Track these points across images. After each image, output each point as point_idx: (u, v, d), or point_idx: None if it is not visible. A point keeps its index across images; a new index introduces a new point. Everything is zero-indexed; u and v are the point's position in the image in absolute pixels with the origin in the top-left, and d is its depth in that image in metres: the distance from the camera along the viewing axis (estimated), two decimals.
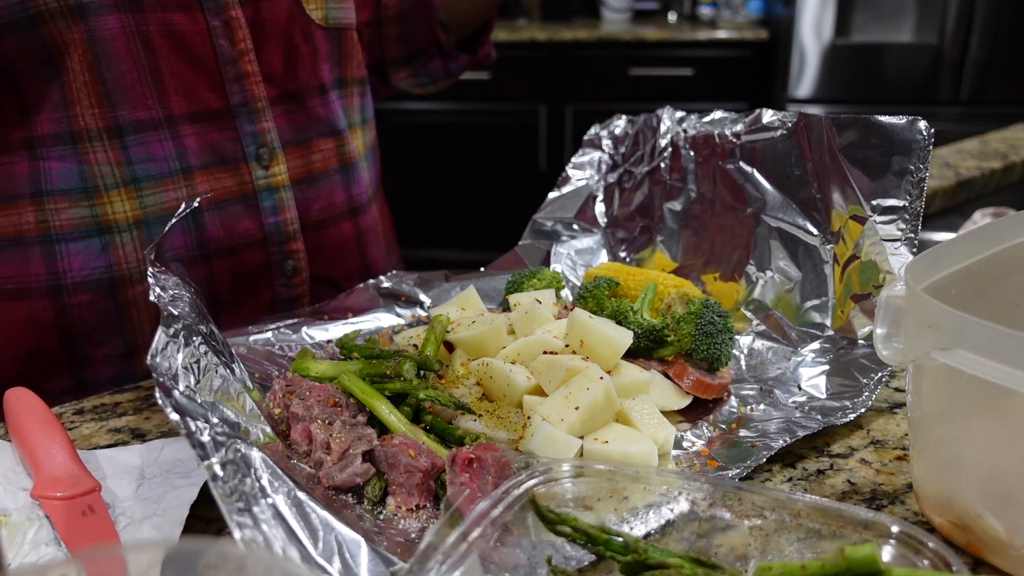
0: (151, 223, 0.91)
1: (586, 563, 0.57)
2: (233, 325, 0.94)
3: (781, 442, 0.71)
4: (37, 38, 0.83)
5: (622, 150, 1.12)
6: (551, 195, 1.16)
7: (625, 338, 0.78)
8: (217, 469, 0.53)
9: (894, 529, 0.52)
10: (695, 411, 0.79)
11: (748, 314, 0.94)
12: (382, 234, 1.16)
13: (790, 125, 0.92)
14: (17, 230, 0.89)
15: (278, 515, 0.54)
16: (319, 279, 1.06)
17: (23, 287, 0.90)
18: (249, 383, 0.71)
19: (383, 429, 0.72)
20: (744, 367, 0.87)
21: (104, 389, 0.89)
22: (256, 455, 0.57)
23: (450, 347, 0.84)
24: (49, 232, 0.89)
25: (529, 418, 0.72)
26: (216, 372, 0.66)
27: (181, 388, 0.60)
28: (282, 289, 1.02)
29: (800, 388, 0.81)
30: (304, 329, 0.93)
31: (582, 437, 0.71)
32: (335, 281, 1.07)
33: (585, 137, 1.17)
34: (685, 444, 0.74)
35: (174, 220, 0.77)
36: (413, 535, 0.62)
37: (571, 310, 0.83)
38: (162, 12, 0.87)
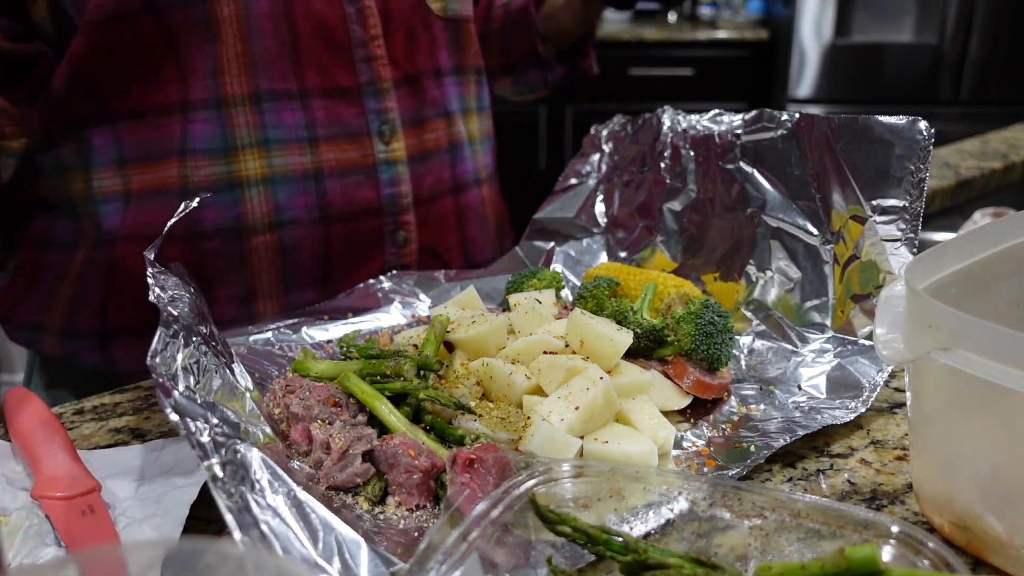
0: (276, 181, 0.99)
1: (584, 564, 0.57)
2: (345, 288, 1.02)
3: (781, 442, 0.71)
4: (203, 11, 0.92)
5: (622, 150, 1.12)
6: (551, 195, 1.16)
7: (625, 338, 0.78)
8: (217, 470, 0.53)
9: (894, 529, 0.52)
10: (695, 411, 0.79)
11: (748, 314, 0.94)
12: (490, 216, 1.23)
13: (790, 125, 0.92)
14: (162, 184, 0.96)
15: (278, 515, 0.54)
16: (426, 250, 1.12)
17: (158, 234, 0.97)
18: (249, 383, 0.71)
19: (383, 429, 0.72)
20: (744, 367, 0.87)
21: (226, 328, 0.96)
22: (256, 455, 0.57)
23: (450, 347, 0.84)
24: (187, 187, 0.96)
25: (529, 418, 0.72)
26: (216, 372, 0.66)
27: (181, 388, 0.60)
28: (392, 257, 1.08)
29: (800, 388, 0.81)
30: (304, 329, 0.93)
31: (582, 437, 0.71)
32: (438, 252, 1.14)
33: (585, 137, 1.17)
34: (685, 444, 0.74)
35: (174, 219, 0.77)
36: (414, 535, 0.62)
37: (571, 310, 0.83)
38: None
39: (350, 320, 0.97)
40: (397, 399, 0.74)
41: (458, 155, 1.15)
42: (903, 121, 0.82)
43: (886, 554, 0.52)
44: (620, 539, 0.54)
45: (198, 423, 0.56)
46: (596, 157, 1.15)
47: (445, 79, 1.11)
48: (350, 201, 1.02)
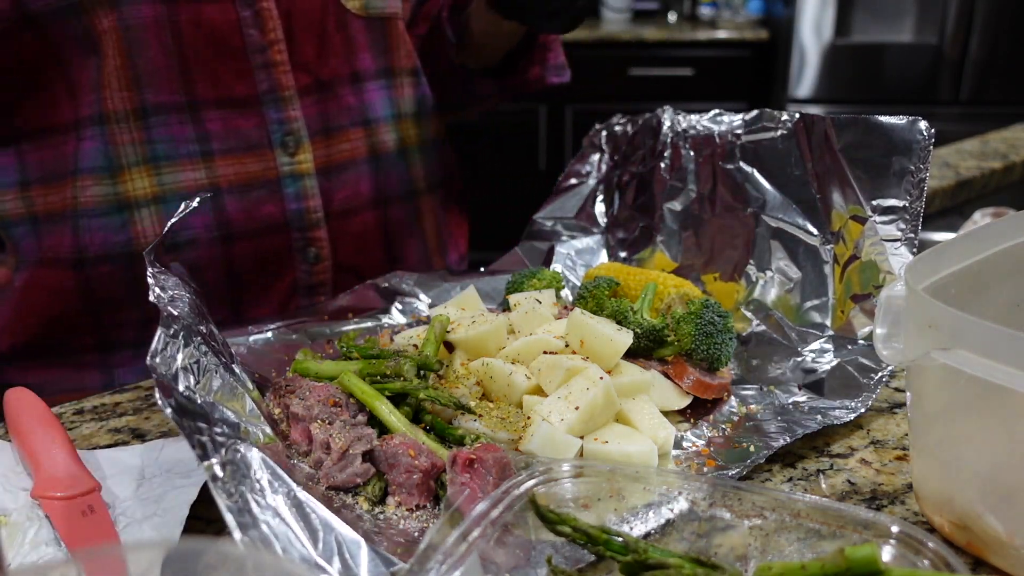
0: (168, 200, 0.94)
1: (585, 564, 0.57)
2: (254, 308, 0.98)
3: (781, 442, 0.71)
4: (80, 25, 0.87)
5: (622, 150, 1.12)
6: (551, 195, 1.16)
7: (625, 338, 0.78)
8: (217, 469, 0.53)
9: (894, 529, 0.52)
10: (695, 411, 0.79)
11: (748, 314, 0.94)
12: (430, 230, 1.15)
13: (790, 125, 0.92)
14: (61, 206, 0.94)
15: (278, 515, 0.54)
16: (343, 268, 1.06)
17: (52, 257, 0.95)
18: (249, 383, 0.71)
19: (383, 429, 0.72)
20: (744, 367, 0.87)
21: (125, 351, 0.93)
22: (256, 455, 0.57)
23: (450, 347, 0.84)
24: (76, 208, 0.93)
25: (529, 418, 0.72)
26: (216, 372, 0.66)
27: (181, 388, 0.60)
28: (304, 275, 1.03)
29: (800, 388, 0.81)
30: (304, 329, 0.93)
31: (582, 437, 0.71)
32: (359, 271, 1.07)
33: (585, 137, 1.17)
34: (685, 444, 0.74)
35: (175, 219, 0.77)
36: (414, 535, 0.62)
37: (571, 310, 0.83)
38: (194, 3, 0.90)
39: (350, 320, 0.97)
40: (397, 399, 0.74)
41: (382, 166, 1.07)
42: (903, 121, 0.82)
43: (886, 554, 0.52)
44: (620, 539, 0.54)
45: (198, 423, 0.56)
46: (596, 157, 1.15)
47: (368, 84, 1.04)
48: (252, 218, 0.97)
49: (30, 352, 0.98)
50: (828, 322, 0.88)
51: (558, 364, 0.75)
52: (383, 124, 1.07)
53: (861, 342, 0.84)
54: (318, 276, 1.04)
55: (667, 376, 0.81)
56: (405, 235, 1.12)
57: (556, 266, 1.07)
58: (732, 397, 0.81)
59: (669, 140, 1.05)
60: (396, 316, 0.99)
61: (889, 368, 0.79)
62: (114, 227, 0.93)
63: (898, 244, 0.81)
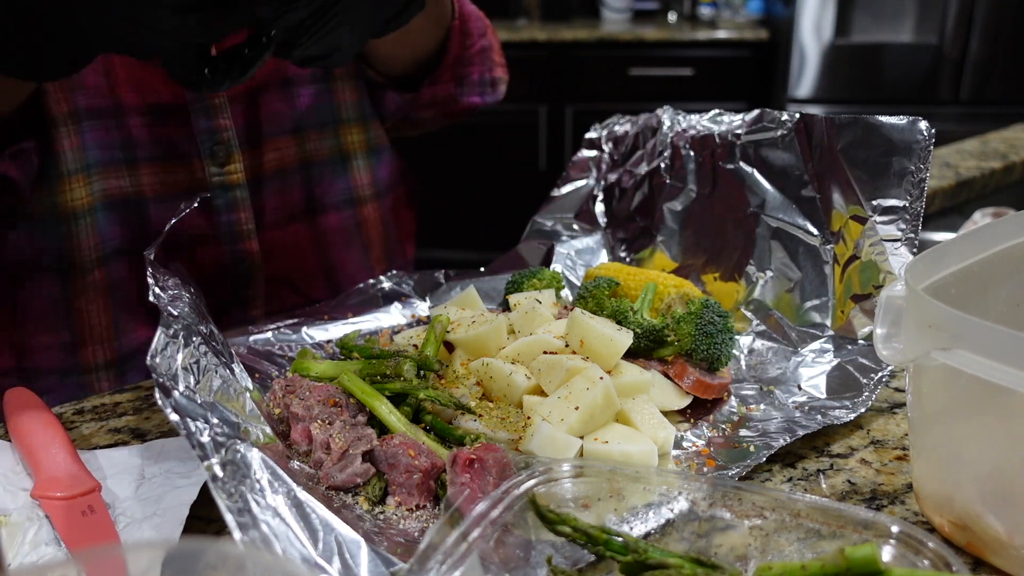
0: (96, 210, 0.90)
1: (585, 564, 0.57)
2: None
3: (781, 442, 0.71)
4: None
5: (622, 150, 1.12)
6: (551, 195, 1.16)
7: (625, 338, 0.78)
8: (217, 470, 0.53)
9: (894, 529, 0.52)
10: (695, 411, 0.79)
11: (748, 314, 0.94)
12: (375, 238, 1.12)
13: (790, 125, 0.92)
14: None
15: (278, 515, 0.54)
16: (276, 280, 1.03)
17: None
18: (249, 383, 0.71)
19: (383, 429, 0.72)
20: (744, 367, 0.87)
21: (44, 378, 0.88)
22: (256, 455, 0.57)
23: (450, 347, 0.84)
24: (9, 217, 0.89)
25: (529, 418, 0.72)
26: (216, 372, 0.66)
27: (181, 388, 0.60)
28: (236, 289, 0.99)
29: (800, 388, 0.81)
30: (304, 329, 0.93)
31: (582, 437, 0.71)
32: (293, 282, 1.04)
33: (585, 137, 1.17)
34: (685, 444, 0.74)
35: (174, 219, 0.77)
36: (414, 535, 0.62)
37: (571, 310, 0.83)
38: None
39: (350, 320, 0.97)
40: (397, 399, 0.74)
41: (316, 174, 1.03)
42: (903, 121, 0.82)
43: (886, 554, 0.52)
44: (620, 539, 0.54)
45: (198, 423, 0.56)
46: (596, 157, 1.15)
47: (302, 89, 1.00)
48: (179, 230, 0.90)
49: None
50: (828, 322, 0.88)
51: (558, 364, 0.75)
52: (315, 131, 1.03)
53: (861, 342, 0.84)
54: (250, 289, 1.00)
55: (667, 376, 0.81)
56: (344, 244, 1.08)
57: (556, 266, 1.07)
58: (732, 397, 0.81)
59: (669, 140, 1.05)
60: (396, 316, 0.99)
61: (889, 368, 0.79)
62: (49, 237, 0.89)
63: (898, 244, 0.81)
